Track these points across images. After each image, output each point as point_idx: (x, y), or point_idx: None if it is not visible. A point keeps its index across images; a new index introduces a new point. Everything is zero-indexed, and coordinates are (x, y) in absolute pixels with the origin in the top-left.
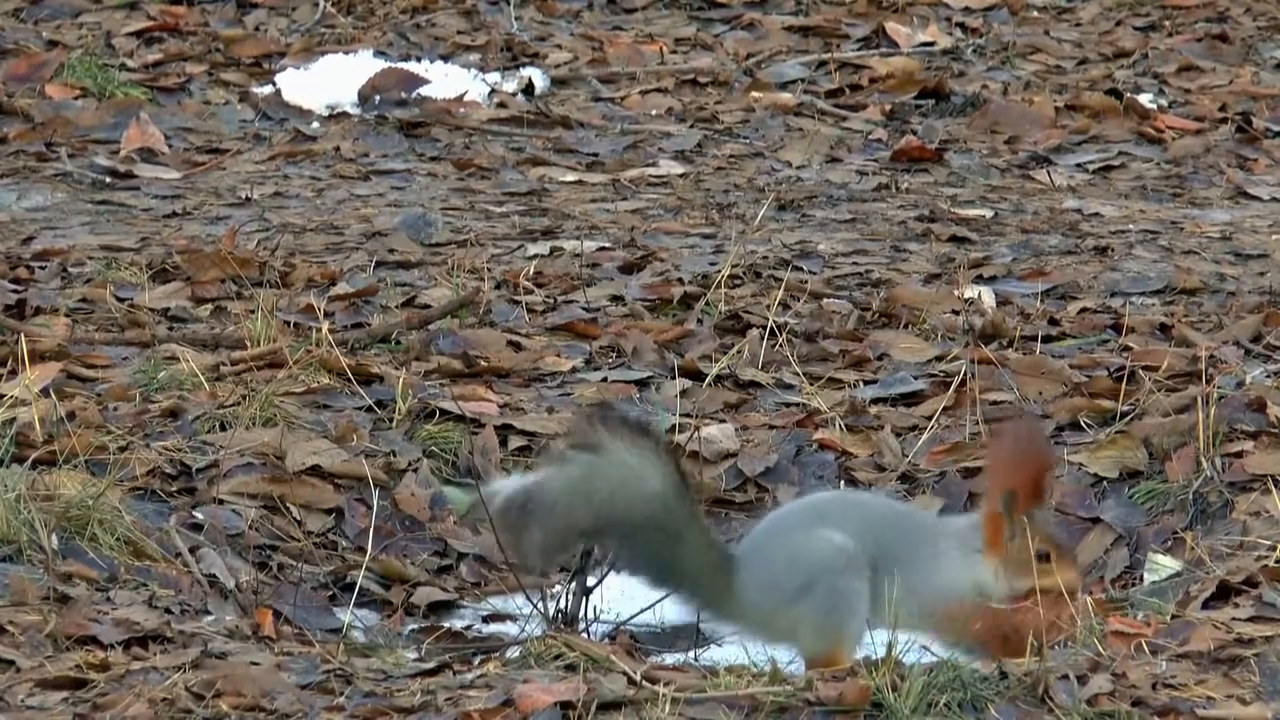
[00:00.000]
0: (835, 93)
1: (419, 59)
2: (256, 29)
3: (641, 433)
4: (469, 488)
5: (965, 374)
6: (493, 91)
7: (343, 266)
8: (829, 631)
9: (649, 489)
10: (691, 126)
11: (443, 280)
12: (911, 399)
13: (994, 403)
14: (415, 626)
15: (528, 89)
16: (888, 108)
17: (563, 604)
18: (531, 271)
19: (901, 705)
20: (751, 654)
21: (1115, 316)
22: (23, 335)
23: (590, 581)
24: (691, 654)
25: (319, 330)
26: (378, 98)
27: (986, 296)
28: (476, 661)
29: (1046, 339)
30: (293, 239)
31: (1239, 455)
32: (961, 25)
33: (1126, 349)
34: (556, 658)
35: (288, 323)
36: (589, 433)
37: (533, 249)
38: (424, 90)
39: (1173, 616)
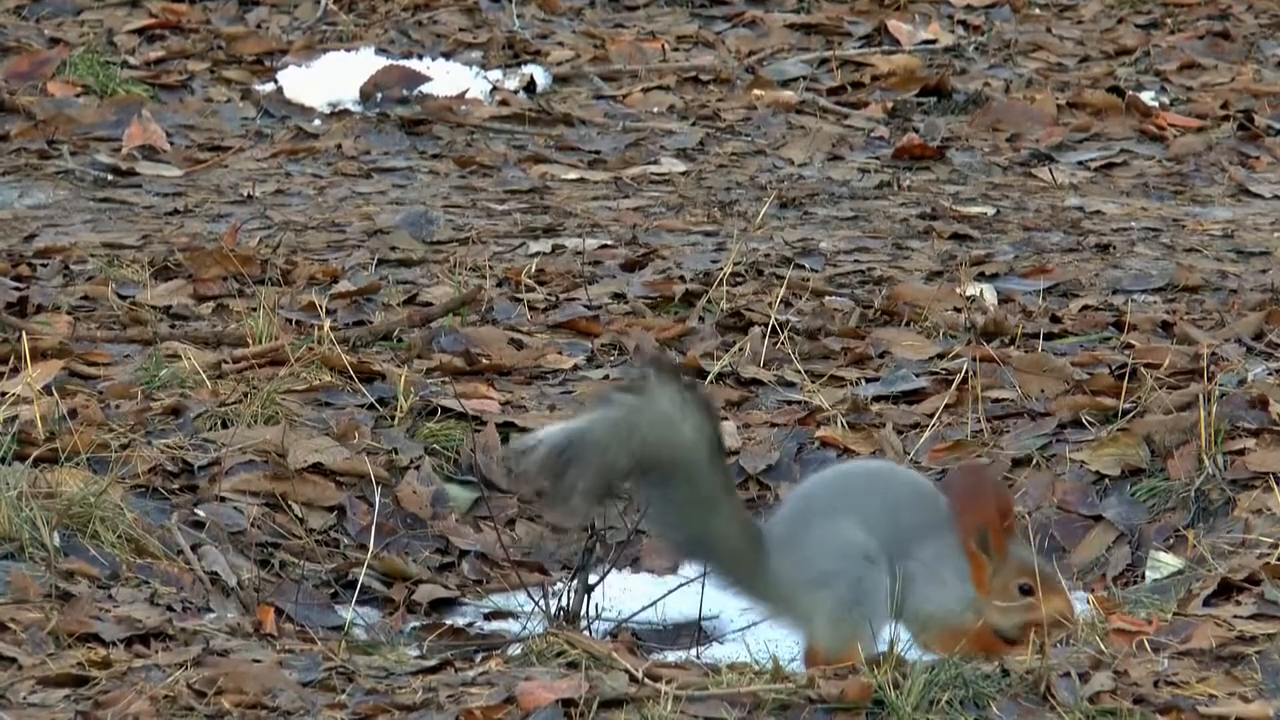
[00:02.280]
0: (837, 90)
1: (420, 56)
2: (258, 26)
3: (689, 389)
4: (516, 440)
5: (967, 371)
6: (494, 89)
7: (344, 264)
8: (846, 626)
9: (684, 438)
10: (693, 124)
11: (444, 278)
12: (913, 396)
13: (996, 400)
14: (417, 624)
15: (529, 86)
16: (889, 105)
17: (564, 601)
18: (533, 269)
19: (903, 703)
20: (754, 651)
21: (1117, 314)
22: (24, 333)
23: (592, 579)
24: (693, 651)
25: (320, 328)
26: (379, 95)
27: (988, 294)
28: (478, 659)
29: (1048, 336)
30: (294, 237)
31: (1241, 453)
32: (963, 23)
33: (1128, 346)
34: (558, 655)
35: (289, 320)
36: (638, 376)
37: (534, 247)
38: (425, 88)
39: (1174, 614)
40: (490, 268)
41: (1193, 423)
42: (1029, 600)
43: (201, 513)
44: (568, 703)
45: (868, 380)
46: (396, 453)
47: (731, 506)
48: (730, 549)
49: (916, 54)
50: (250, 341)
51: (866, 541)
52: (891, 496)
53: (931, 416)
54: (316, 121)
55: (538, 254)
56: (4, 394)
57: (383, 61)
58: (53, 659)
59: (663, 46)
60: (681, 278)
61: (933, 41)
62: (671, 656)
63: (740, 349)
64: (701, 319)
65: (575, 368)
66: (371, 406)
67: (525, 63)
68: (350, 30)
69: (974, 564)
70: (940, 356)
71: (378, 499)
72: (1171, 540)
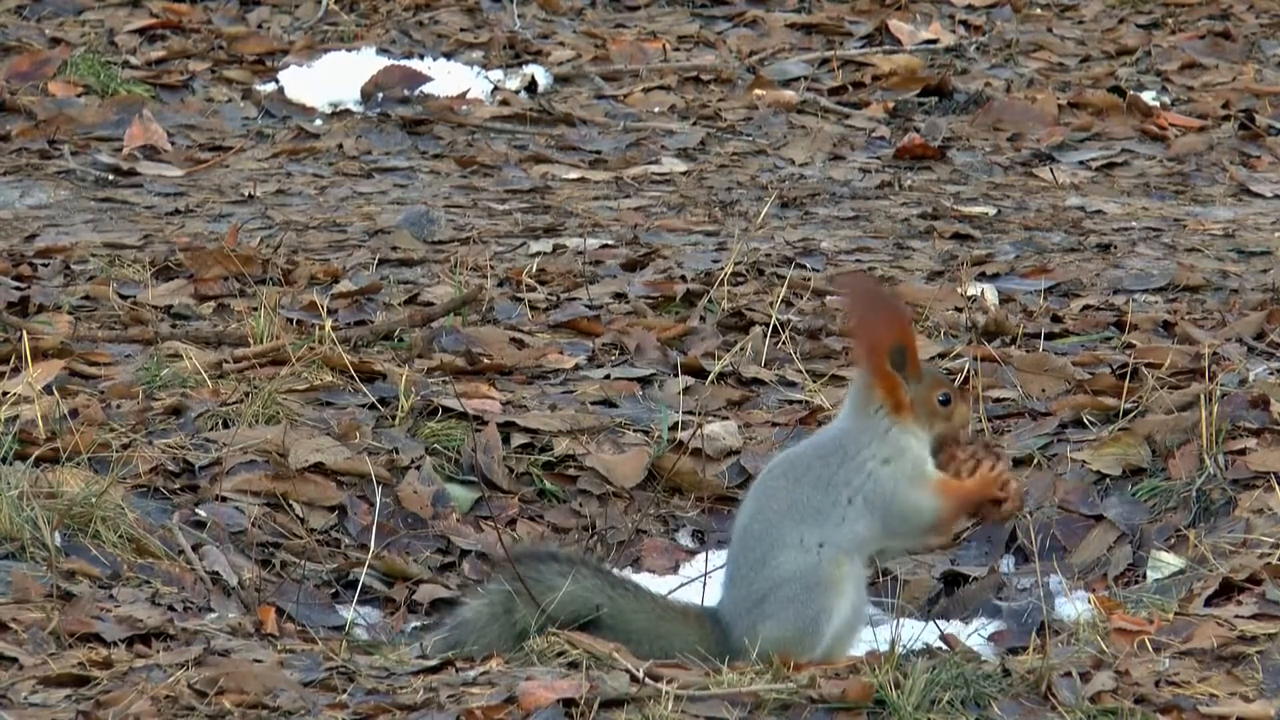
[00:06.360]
0: (838, 90)
1: (422, 56)
2: (259, 26)
3: (567, 561)
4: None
5: (968, 371)
6: (495, 89)
7: (345, 264)
8: (792, 643)
9: (589, 605)
10: (694, 124)
11: (445, 278)
12: None
13: (997, 400)
14: (418, 624)
15: (530, 86)
16: (891, 105)
17: None
18: (534, 269)
19: (904, 702)
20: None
21: (1118, 314)
22: (25, 332)
23: None
24: None
25: (321, 328)
26: (380, 95)
27: (989, 294)
28: (479, 659)
29: (1049, 336)
30: (295, 236)
31: (1242, 453)
32: (964, 23)
33: (1129, 346)
34: (559, 655)
35: (290, 320)
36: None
37: (535, 246)
38: (426, 88)
39: (1176, 614)
40: (491, 267)
41: (1194, 422)
42: (951, 410)
43: (202, 512)
44: (568, 703)
45: None
46: (397, 452)
47: (669, 624)
48: (690, 643)
49: (917, 54)
50: (251, 341)
51: (806, 539)
52: (784, 483)
53: None
54: (318, 121)
55: (539, 254)
56: (5, 394)
57: (384, 61)
58: (54, 659)
59: (664, 46)
60: (683, 277)
61: (934, 41)
62: None
63: (741, 348)
64: (702, 319)
65: (576, 367)
66: (373, 406)
67: (526, 63)
68: (351, 30)
69: (887, 386)
70: (941, 356)
71: (379, 499)
72: (1173, 540)
